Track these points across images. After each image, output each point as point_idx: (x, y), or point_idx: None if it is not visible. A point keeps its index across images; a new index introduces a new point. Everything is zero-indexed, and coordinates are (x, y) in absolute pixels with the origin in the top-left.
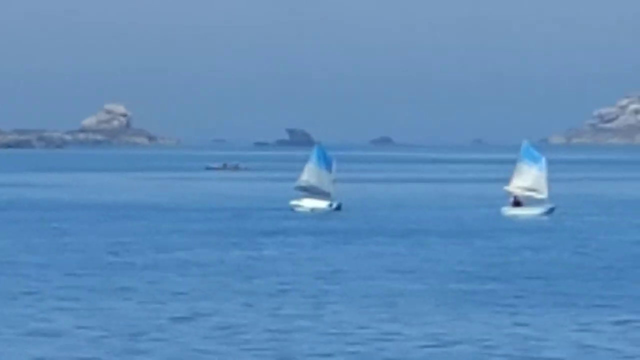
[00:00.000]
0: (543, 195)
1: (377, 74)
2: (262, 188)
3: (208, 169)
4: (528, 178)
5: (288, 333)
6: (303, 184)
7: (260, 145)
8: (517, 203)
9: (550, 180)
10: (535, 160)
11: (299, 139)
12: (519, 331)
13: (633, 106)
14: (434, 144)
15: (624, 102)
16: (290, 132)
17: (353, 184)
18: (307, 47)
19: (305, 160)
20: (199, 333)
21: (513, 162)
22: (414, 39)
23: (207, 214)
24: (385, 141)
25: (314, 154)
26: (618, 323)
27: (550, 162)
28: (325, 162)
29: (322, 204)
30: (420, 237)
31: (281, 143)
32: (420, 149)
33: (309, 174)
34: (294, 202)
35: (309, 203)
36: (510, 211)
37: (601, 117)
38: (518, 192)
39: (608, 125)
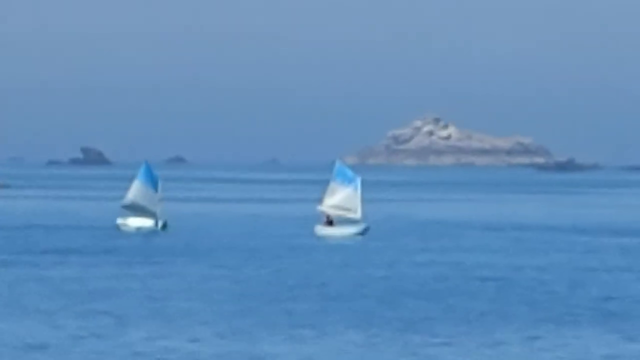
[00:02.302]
0: (356, 215)
1: (170, 93)
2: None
3: None
4: (341, 198)
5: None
6: (129, 203)
7: (53, 163)
8: (329, 222)
9: (365, 201)
10: (349, 180)
11: (93, 158)
12: (311, 350)
13: (427, 128)
14: (228, 163)
15: (418, 123)
16: (84, 150)
17: (175, 203)
18: (100, 64)
19: (97, 178)
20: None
21: (313, 182)
22: (205, 54)
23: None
24: (178, 160)
25: (141, 172)
26: (406, 343)
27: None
28: (152, 180)
29: (148, 222)
30: (231, 257)
31: (75, 162)
32: (216, 169)
33: (136, 193)
34: (120, 221)
35: (134, 222)
36: (323, 231)
37: (395, 138)
38: (331, 211)
39: (402, 146)
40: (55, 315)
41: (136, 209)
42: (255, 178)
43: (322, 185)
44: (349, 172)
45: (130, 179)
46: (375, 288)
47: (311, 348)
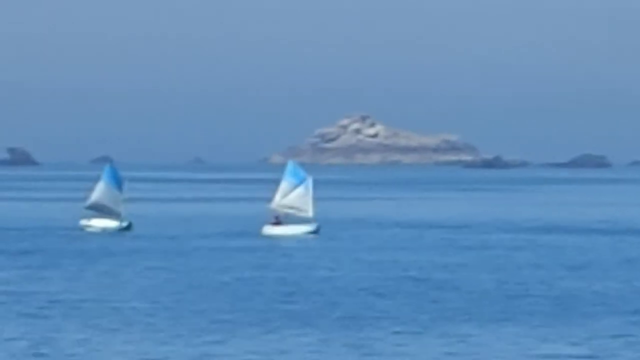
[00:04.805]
0: (308, 214)
1: (96, 94)
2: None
3: None
4: (293, 197)
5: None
6: (93, 204)
7: None
8: (277, 223)
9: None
10: (300, 179)
11: (20, 158)
12: (224, 351)
13: (353, 126)
14: (155, 163)
15: (345, 122)
16: (11, 151)
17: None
18: (25, 64)
19: (26, 179)
20: None
21: (247, 182)
22: (128, 56)
23: None
24: (105, 160)
25: (105, 173)
26: (319, 341)
27: (274, 182)
28: (116, 181)
29: (112, 223)
30: (183, 258)
31: (1, 162)
32: (144, 169)
33: (100, 193)
34: (84, 222)
35: (99, 222)
36: (272, 230)
37: (322, 137)
38: (282, 210)
39: (328, 145)
40: None
41: (100, 210)
42: (186, 177)
43: (258, 184)
44: (301, 172)
45: (65, 179)
46: (315, 287)
47: (251, 346)
